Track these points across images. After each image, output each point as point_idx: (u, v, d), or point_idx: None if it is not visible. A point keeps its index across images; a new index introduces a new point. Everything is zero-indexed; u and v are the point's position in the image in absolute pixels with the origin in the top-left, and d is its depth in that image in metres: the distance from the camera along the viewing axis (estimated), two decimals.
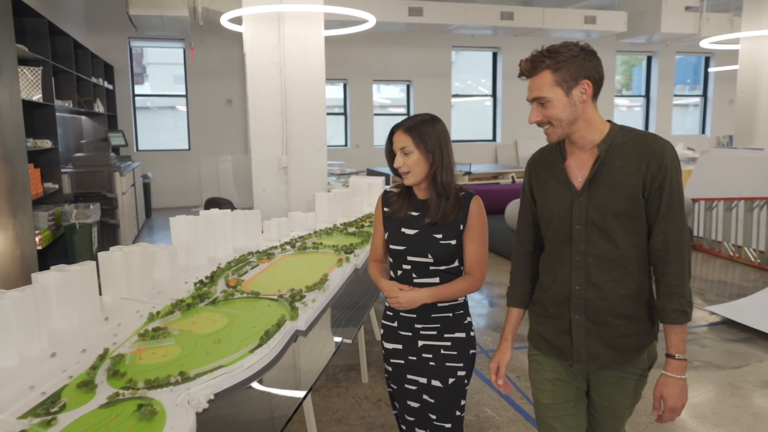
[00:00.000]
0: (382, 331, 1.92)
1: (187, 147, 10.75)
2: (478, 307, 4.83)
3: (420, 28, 9.62)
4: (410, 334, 1.83)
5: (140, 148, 10.55)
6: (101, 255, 2.31)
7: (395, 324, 1.86)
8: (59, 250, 5.12)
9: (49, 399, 1.42)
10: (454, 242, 1.77)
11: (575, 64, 1.45)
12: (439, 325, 1.81)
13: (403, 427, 1.90)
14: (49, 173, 5.20)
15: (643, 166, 1.46)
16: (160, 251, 2.62)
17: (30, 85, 4.98)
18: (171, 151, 10.68)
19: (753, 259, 6.03)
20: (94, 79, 7.70)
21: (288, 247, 3.12)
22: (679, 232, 1.48)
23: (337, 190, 4.41)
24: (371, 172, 9.13)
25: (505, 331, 1.75)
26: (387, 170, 8.70)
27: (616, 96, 13.62)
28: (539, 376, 1.70)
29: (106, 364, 1.62)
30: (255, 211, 3.30)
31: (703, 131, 14.39)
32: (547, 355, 1.66)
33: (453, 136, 1.94)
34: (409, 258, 1.79)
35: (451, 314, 1.81)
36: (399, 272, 1.83)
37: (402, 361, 1.85)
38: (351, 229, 3.59)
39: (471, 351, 1.84)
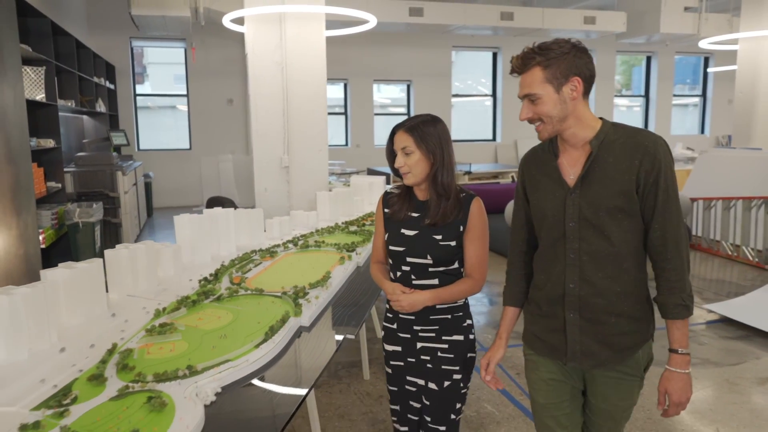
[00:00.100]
0: (383, 333, 1.93)
1: (188, 146, 10.79)
2: (479, 305, 4.87)
3: (420, 28, 9.65)
4: (409, 336, 1.83)
5: (141, 147, 10.58)
6: (107, 253, 2.35)
7: (395, 326, 1.87)
8: (62, 248, 5.16)
9: (60, 392, 1.46)
10: (453, 243, 1.76)
11: (565, 61, 1.45)
12: (437, 327, 1.81)
13: (405, 429, 1.91)
14: (52, 172, 5.24)
15: (636, 162, 1.46)
16: (164, 249, 2.66)
17: (33, 85, 5.02)
18: (172, 151, 10.71)
19: (751, 258, 6.07)
20: (95, 79, 7.73)
21: (290, 245, 3.15)
22: (676, 227, 1.48)
23: (339, 189, 4.44)
24: (371, 172, 9.17)
25: (500, 329, 1.75)
26: (387, 170, 8.74)
27: (616, 96, 13.66)
28: (534, 376, 1.70)
29: (115, 358, 1.66)
30: (258, 210, 3.33)
31: (703, 131, 14.43)
32: (541, 354, 1.67)
33: (453, 136, 1.96)
34: (409, 259, 1.79)
35: (449, 316, 1.81)
36: (398, 273, 1.83)
37: (401, 363, 1.86)
38: (352, 228, 3.63)
39: (469, 354, 1.83)
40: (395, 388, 1.90)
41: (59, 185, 5.28)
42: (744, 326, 4.21)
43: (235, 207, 3.33)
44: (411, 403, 1.88)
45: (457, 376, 1.80)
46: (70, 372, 1.59)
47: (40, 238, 4.53)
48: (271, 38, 4.89)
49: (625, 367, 1.57)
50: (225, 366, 1.61)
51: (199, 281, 2.46)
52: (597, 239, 1.51)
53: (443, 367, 1.80)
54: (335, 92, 11.74)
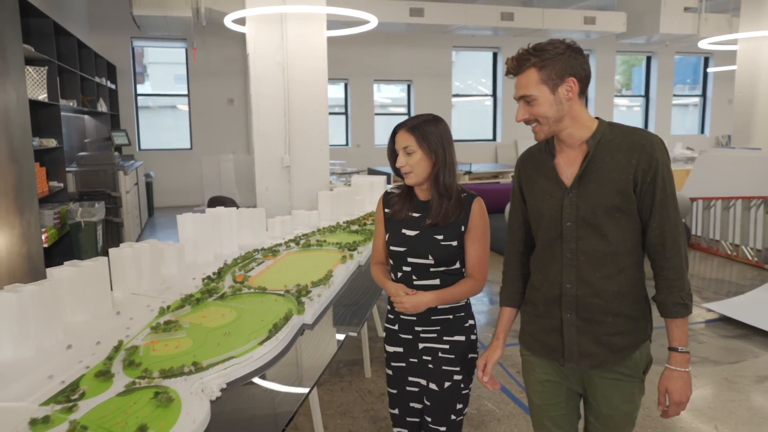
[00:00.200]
0: (384, 334, 1.93)
1: (189, 146, 10.81)
2: (479, 304, 4.89)
3: (421, 29, 9.68)
4: (410, 336, 1.83)
5: (142, 147, 10.61)
6: (112, 251, 2.38)
7: (396, 327, 1.86)
8: (64, 248, 5.18)
9: (68, 387, 1.48)
10: (455, 243, 1.76)
11: (560, 61, 1.46)
12: (438, 328, 1.80)
13: (404, 431, 1.91)
14: (54, 172, 5.27)
15: (633, 161, 1.46)
16: (168, 248, 2.68)
17: (36, 85, 5.04)
18: (173, 151, 10.74)
19: (750, 258, 6.09)
20: (97, 79, 7.76)
21: (292, 244, 3.17)
22: (674, 225, 1.48)
23: (340, 188, 4.46)
24: (372, 172, 9.19)
25: (497, 330, 1.74)
26: (388, 169, 8.76)
27: (616, 96, 13.69)
28: (531, 377, 1.70)
29: (121, 355, 1.68)
30: (260, 209, 3.36)
31: (703, 131, 14.46)
32: (538, 355, 1.66)
33: (453, 136, 1.98)
34: (410, 259, 1.78)
35: (451, 316, 1.81)
36: (399, 274, 1.82)
37: (403, 364, 1.86)
38: (354, 227, 3.65)
39: (470, 355, 1.83)
40: (395, 391, 1.90)
41: (61, 185, 5.31)
42: (743, 325, 4.24)
43: (237, 207, 3.35)
44: (412, 404, 1.87)
45: (457, 377, 1.80)
46: (77, 368, 1.62)
47: (43, 237, 4.55)
48: (273, 38, 4.91)
49: (623, 368, 1.56)
50: (230, 363, 1.63)
51: (203, 280, 2.49)
52: (594, 239, 1.51)
53: (444, 367, 1.80)
54: (336, 92, 11.76)
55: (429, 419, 1.83)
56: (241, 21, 5.33)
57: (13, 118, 4.14)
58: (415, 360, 1.83)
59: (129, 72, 10.11)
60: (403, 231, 1.81)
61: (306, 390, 1.58)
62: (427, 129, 1.75)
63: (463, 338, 1.81)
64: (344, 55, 10.74)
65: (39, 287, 1.79)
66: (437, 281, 1.78)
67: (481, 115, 13.00)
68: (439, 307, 1.79)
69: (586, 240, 1.52)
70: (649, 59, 13.76)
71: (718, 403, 3.10)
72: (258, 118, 5.03)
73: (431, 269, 1.77)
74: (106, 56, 8.71)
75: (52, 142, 5.09)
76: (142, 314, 2.09)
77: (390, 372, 1.90)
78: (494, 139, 12.88)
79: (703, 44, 8.99)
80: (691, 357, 3.68)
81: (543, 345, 1.63)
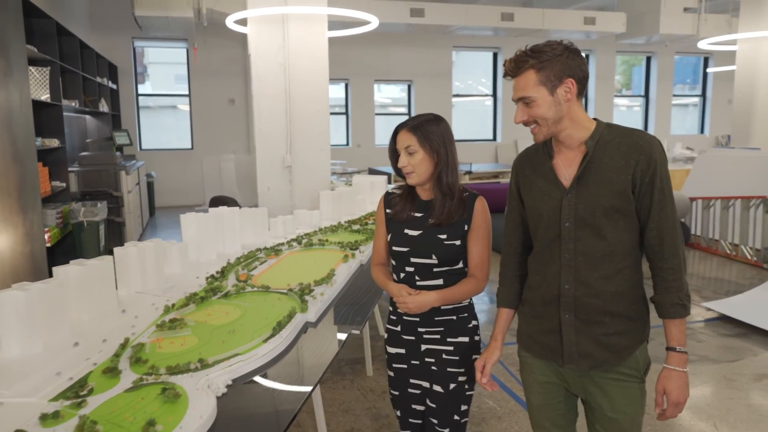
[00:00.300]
0: (386, 335, 1.92)
1: (190, 146, 10.84)
2: (479, 303, 4.92)
3: (421, 29, 9.70)
4: (413, 338, 1.82)
5: (143, 147, 10.63)
6: (117, 250, 2.40)
7: (398, 328, 1.85)
8: (67, 247, 5.21)
9: (77, 383, 1.51)
10: (458, 243, 1.76)
11: (559, 63, 1.46)
12: (442, 329, 1.80)
13: None
14: (56, 172, 5.29)
15: (631, 161, 1.46)
16: (171, 247, 2.71)
17: (38, 85, 5.07)
18: (174, 151, 10.76)
19: (749, 257, 6.12)
20: (98, 79, 7.78)
21: (294, 243, 3.20)
22: (672, 226, 1.48)
23: (341, 188, 4.49)
24: (372, 171, 9.21)
25: (495, 331, 1.73)
26: (388, 169, 8.79)
27: (616, 96, 13.72)
28: (530, 379, 1.71)
29: (128, 352, 1.71)
30: (262, 209, 3.38)
31: (702, 131, 14.48)
32: (537, 357, 1.66)
33: (453, 136, 2.00)
34: (413, 260, 1.77)
35: (455, 317, 1.80)
36: (402, 275, 1.81)
37: (404, 366, 1.85)
38: (355, 227, 3.68)
39: (474, 356, 1.82)
40: (397, 392, 1.89)
41: (63, 184, 5.33)
42: (742, 324, 4.26)
43: (239, 206, 3.38)
44: (414, 406, 1.87)
45: (462, 378, 1.80)
46: (84, 365, 1.64)
47: (46, 236, 4.58)
48: (274, 39, 4.94)
49: (623, 367, 1.55)
50: (235, 360, 1.65)
51: (206, 278, 2.51)
52: (593, 239, 1.51)
53: (449, 369, 1.79)
54: (336, 92, 11.79)
55: (435, 421, 1.82)
56: (243, 22, 5.36)
57: (17, 118, 4.17)
58: (417, 362, 1.82)
59: (130, 72, 10.14)
60: (406, 231, 1.80)
61: (309, 388, 1.60)
62: (429, 129, 1.74)
63: (467, 339, 1.81)
64: (345, 55, 10.77)
65: (46, 285, 1.82)
66: (440, 281, 1.78)
67: (481, 115, 13.03)
68: (442, 307, 1.78)
69: (584, 241, 1.52)
70: (648, 59, 13.79)
71: (716, 401, 3.13)
72: (260, 118, 5.06)
73: (434, 269, 1.77)
74: (108, 56, 8.74)
75: (54, 142, 5.11)
76: (147, 312, 2.12)
77: (391, 374, 1.89)
78: (494, 139, 12.91)
79: (703, 44, 9.02)
80: (691, 355, 3.73)
81: (542, 346, 1.63)
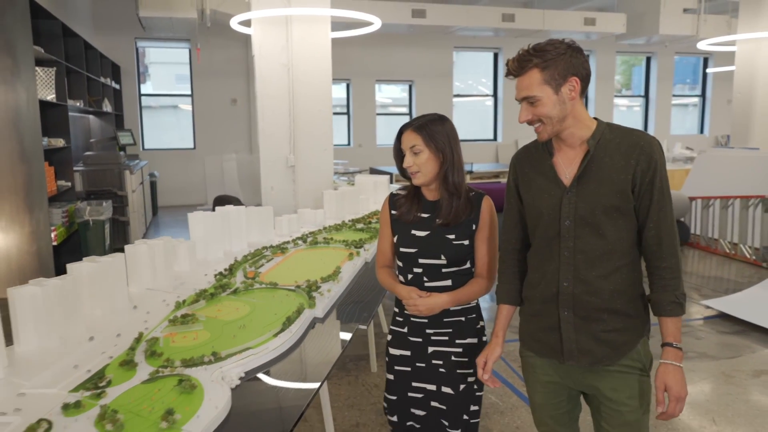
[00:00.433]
0: (389, 337, 1.91)
1: (192, 146, 10.89)
2: (480, 301, 4.96)
3: (422, 29, 9.76)
4: (420, 339, 1.81)
5: (146, 147, 10.69)
6: (127, 248, 2.45)
7: (405, 329, 1.84)
8: (72, 246, 5.26)
9: (95, 375, 1.55)
10: (466, 242, 1.76)
11: (563, 61, 1.46)
12: (450, 330, 1.79)
13: None
14: (62, 171, 5.35)
15: (632, 161, 1.47)
16: (180, 245, 2.75)
17: (44, 86, 5.12)
18: (176, 150, 10.82)
19: (748, 256, 6.17)
20: (102, 79, 7.83)
21: (300, 242, 3.25)
22: (670, 226, 1.50)
23: (345, 187, 4.54)
24: (374, 171, 9.27)
25: (495, 328, 1.74)
26: (390, 169, 8.84)
27: (616, 96, 13.76)
28: (532, 378, 1.72)
29: (143, 346, 1.75)
30: (267, 208, 3.43)
31: (702, 131, 14.53)
32: (539, 355, 1.67)
33: None
34: (421, 260, 1.77)
35: (463, 318, 1.80)
36: (409, 276, 1.80)
37: (408, 369, 1.83)
38: (359, 226, 3.73)
39: None
40: (395, 397, 1.87)
41: (69, 184, 5.39)
42: (740, 321, 4.32)
43: (244, 206, 3.43)
44: (413, 411, 1.84)
45: (471, 379, 1.80)
46: (101, 358, 1.69)
47: (52, 235, 4.63)
48: (278, 40, 4.99)
49: (627, 360, 1.56)
50: (247, 353, 1.70)
51: (215, 276, 2.56)
52: (592, 238, 1.52)
53: (458, 370, 1.79)
54: (338, 92, 11.84)
55: (446, 423, 1.81)
56: (247, 23, 5.41)
57: (24, 118, 4.22)
58: (423, 365, 1.81)
59: (133, 72, 10.19)
60: (413, 232, 1.79)
61: (316, 384, 1.63)
62: (434, 128, 1.74)
63: (475, 340, 1.82)
64: (346, 55, 10.82)
65: (62, 281, 1.86)
66: (449, 282, 1.77)
67: (481, 115, 13.08)
68: (451, 309, 1.78)
69: (583, 239, 1.53)
70: (648, 59, 13.84)
71: (715, 397, 3.18)
72: (263, 118, 5.10)
73: (443, 270, 1.77)
74: (111, 56, 8.79)
75: (60, 142, 5.16)
76: (159, 308, 2.16)
77: (391, 377, 1.88)
78: (495, 139, 12.96)
79: (702, 45, 9.06)
80: (690, 352, 3.78)
81: (542, 344, 1.65)
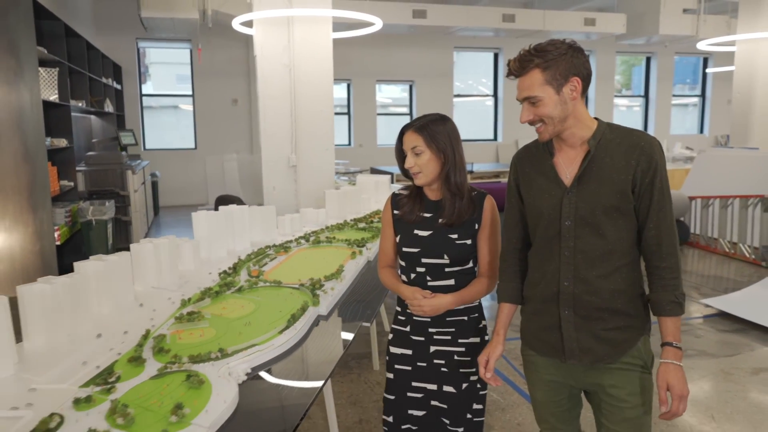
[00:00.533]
0: (391, 336, 1.91)
1: (193, 146, 10.91)
2: (481, 300, 4.99)
3: (423, 30, 9.79)
4: (423, 339, 1.81)
5: (147, 147, 10.71)
6: (133, 247, 2.48)
7: (407, 328, 1.84)
8: (75, 245, 5.29)
9: (105, 371, 1.58)
10: (469, 242, 1.76)
11: (564, 61, 1.46)
12: (453, 330, 1.80)
13: None
14: (64, 171, 5.37)
15: (632, 161, 1.48)
16: (185, 244, 2.78)
17: (47, 86, 5.14)
18: (177, 150, 10.84)
19: (748, 255, 6.20)
20: (104, 80, 7.86)
21: (303, 241, 3.27)
22: (670, 226, 1.51)
23: (346, 187, 4.56)
24: (375, 171, 9.30)
25: (496, 326, 1.74)
26: (390, 169, 8.87)
27: (616, 96, 13.79)
28: (534, 376, 1.73)
29: (150, 342, 1.78)
30: (270, 207, 3.46)
31: (702, 131, 14.56)
32: (541, 354, 1.68)
33: None
34: (424, 260, 1.77)
35: (466, 318, 1.81)
36: (412, 275, 1.81)
37: (408, 368, 1.83)
38: (361, 225, 3.75)
39: None
40: (393, 397, 1.86)
41: (71, 184, 5.41)
42: (740, 320, 4.34)
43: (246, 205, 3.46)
44: (411, 412, 1.83)
45: (474, 378, 1.80)
46: (109, 355, 1.72)
47: (55, 235, 4.65)
48: (280, 41, 5.01)
49: (628, 357, 1.57)
50: (252, 350, 1.73)
51: (219, 274, 2.59)
52: (592, 238, 1.52)
53: (461, 370, 1.79)
54: (338, 92, 11.87)
55: (447, 421, 1.81)
56: (248, 23, 5.44)
57: (27, 119, 4.24)
58: (424, 364, 1.81)
59: (134, 72, 10.22)
60: (416, 232, 1.79)
61: (320, 382, 1.65)
62: (435, 129, 1.74)
63: (478, 340, 1.82)
64: (347, 55, 10.85)
65: (70, 279, 1.90)
66: (452, 281, 1.78)
67: (482, 115, 13.11)
68: (454, 308, 1.79)
69: (584, 239, 1.54)
70: (648, 60, 13.87)
71: (715, 394, 3.21)
72: (265, 118, 5.13)
73: (446, 269, 1.77)
74: (112, 57, 8.81)
75: (63, 142, 5.19)
76: (164, 306, 2.19)
77: (391, 376, 1.87)
78: (495, 139, 12.99)
79: (702, 45, 9.09)
80: (690, 350, 3.80)
81: (543, 343, 1.65)
